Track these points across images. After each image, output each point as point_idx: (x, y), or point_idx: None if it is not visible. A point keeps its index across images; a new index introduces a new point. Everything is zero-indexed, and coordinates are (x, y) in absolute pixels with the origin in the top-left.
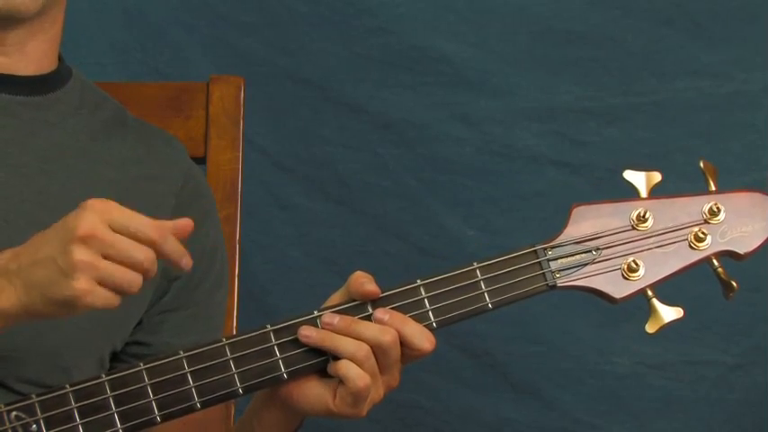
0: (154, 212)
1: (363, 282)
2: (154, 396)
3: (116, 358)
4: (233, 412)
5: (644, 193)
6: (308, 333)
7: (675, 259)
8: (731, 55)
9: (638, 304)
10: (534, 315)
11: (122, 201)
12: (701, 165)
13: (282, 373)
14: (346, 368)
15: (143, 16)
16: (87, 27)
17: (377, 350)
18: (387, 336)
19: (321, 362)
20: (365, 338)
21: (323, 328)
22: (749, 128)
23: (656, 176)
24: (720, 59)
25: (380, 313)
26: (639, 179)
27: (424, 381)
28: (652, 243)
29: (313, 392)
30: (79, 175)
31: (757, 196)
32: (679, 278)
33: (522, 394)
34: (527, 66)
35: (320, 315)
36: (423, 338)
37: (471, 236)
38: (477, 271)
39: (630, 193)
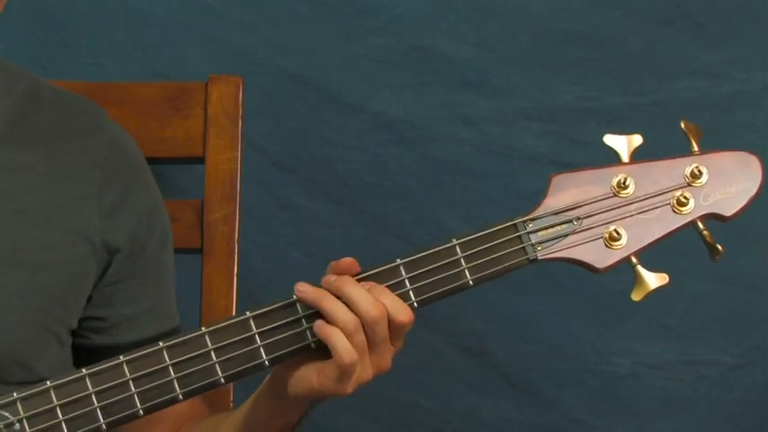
0: (80, 188)
1: (338, 260)
2: (136, 389)
3: (75, 334)
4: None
5: (625, 158)
6: (304, 289)
7: (658, 225)
8: (731, 55)
9: (639, 304)
10: (534, 315)
11: (45, 183)
12: (683, 125)
13: (264, 360)
14: (336, 339)
15: (143, 16)
16: (87, 27)
17: (365, 322)
18: (376, 309)
19: (302, 347)
20: (356, 304)
21: (324, 284)
22: (749, 128)
23: (638, 139)
24: (720, 59)
25: (362, 284)
26: (621, 143)
27: (424, 381)
28: (634, 209)
29: (298, 374)
30: None
31: (741, 155)
32: (679, 278)
33: (522, 394)
34: (527, 66)
35: (300, 300)
36: (400, 310)
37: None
38: (457, 248)
39: (612, 158)
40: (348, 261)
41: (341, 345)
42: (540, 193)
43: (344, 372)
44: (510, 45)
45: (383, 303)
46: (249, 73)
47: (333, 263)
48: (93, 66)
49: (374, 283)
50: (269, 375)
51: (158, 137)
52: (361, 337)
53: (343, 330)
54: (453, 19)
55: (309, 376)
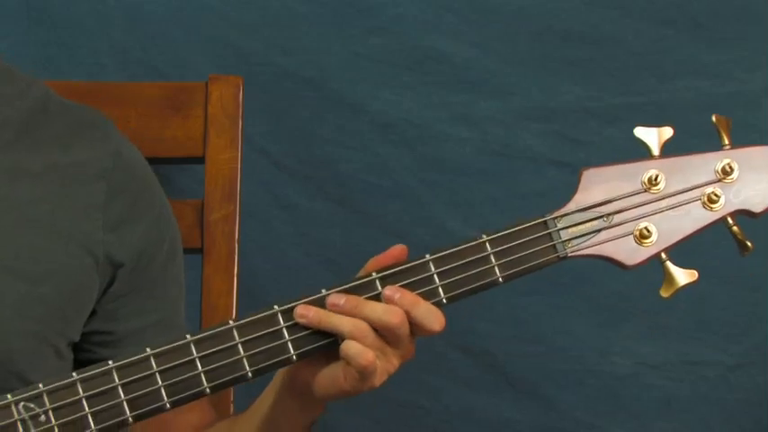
0: (85, 200)
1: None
2: (162, 382)
3: (81, 348)
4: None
5: (656, 151)
6: (304, 312)
7: (689, 222)
8: (731, 55)
9: (639, 304)
10: (534, 315)
11: (50, 193)
12: (714, 119)
13: (292, 355)
14: (347, 347)
15: (143, 16)
16: (87, 27)
17: (384, 330)
18: (394, 318)
19: (331, 342)
20: (372, 320)
21: (329, 310)
22: (749, 128)
23: (668, 132)
24: (720, 59)
25: (390, 291)
26: (651, 136)
27: (424, 381)
28: (664, 206)
29: (326, 376)
30: (3, 176)
31: None
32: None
33: (522, 394)
34: (527, 66)
35: (327, 294)
36: (433, 320)
37: (472, 236)
38: (487, 244)
39: (638, 151)
40: (398, 249)
41: (353, 349)
42: (541, 193)
43: (365, 372)
44: (510, 45)
45: (408, 310)
46: (249, 73)
47: (379, 257)
48: (93, 66)
49: (406, 291)
50: (285, 375)
51: (158, 137)
52: (372, 338)
53: (354, 339)
54: (453, 19)
55: (337, 377)
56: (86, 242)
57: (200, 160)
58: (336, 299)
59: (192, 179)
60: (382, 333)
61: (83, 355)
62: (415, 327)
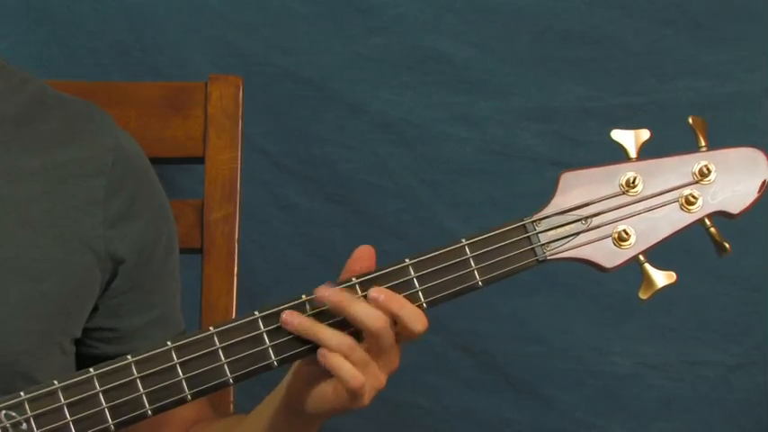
0: (85, 196)
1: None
2: (144, 389)
3: (83, 344)
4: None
5: (633, 153)
6: (289, 319)
7: (667, 224)
8: (731, 55)
9: (640, 304)
10: (534, 315)
11: (49, 191)
12: (690, 121)
13: (273, 361)
14: (339, 366)
15: (143, 16)
16: (87, 27)
17: (368, 335)
18: (378, 321)
19: (312, 348)
20: (356, 319)
21: (318, 299)
22: (749, 128)
23: (645, 134)
24: (720, 59)
25: (375, 292)
26: (628, 138)
27: (424, 381)
28: (642, 208)
29: (315, 392)
30: (1, 176)
31: (749, 151)
32: (679, 278)
33: (522, 394)
34: (527, 66)
35: (308, 300)
36: (416, 320)
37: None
38: (467, 248)
39: (617, 154)
40: (365, 252)
41: (345, 371)
42: (541, 193)
43: (355, 394)
44: (510, 45)
45: (393, 311)
46: (249, 73)
47: (350, 261)
48: (93, 66)
49: (391, 293)
50: (284, 393)
51: (158, 137)
52: (359, 354)
53: (341, 353)
54: (453, 19)
55: (326, 395)
56: (87, 238)
57: (200, 160)
58: (322, 292)
59: (192, 179)
60: (367, 341)
61: (84, 349)
62: (400, 328)
